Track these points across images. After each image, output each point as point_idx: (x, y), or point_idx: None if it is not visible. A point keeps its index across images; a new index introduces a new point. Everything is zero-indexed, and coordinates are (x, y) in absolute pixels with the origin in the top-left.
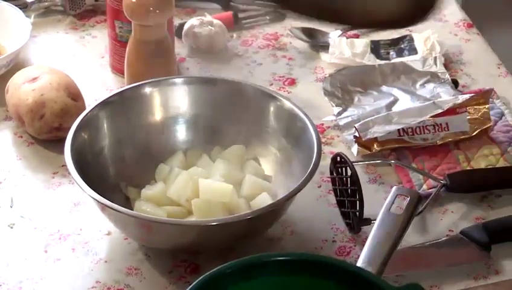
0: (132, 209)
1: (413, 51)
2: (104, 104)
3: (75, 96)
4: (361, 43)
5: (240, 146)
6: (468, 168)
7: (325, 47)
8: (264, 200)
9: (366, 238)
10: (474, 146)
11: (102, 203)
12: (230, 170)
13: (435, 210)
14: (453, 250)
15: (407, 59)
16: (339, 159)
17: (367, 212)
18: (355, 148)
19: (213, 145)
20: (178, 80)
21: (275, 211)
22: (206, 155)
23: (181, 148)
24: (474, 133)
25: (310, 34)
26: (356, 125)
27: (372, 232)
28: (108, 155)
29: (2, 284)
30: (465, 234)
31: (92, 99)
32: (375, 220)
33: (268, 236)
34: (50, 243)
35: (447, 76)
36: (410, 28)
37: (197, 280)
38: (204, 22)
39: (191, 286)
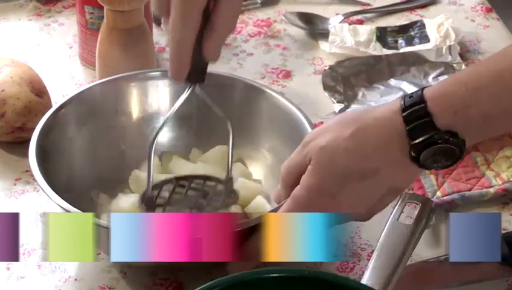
0: None
1: (424, 38)
2: (73, 100)
3: (39, 92)
4: (366, 30)
5: (223, 146)
6: (487, 171)
7: (324, 35)
8: (260, 204)
9: (372, 252)
10: (494, 147)
11: None
12: (214, 174)
13: None
14: (470, 265)
15: (418, 48)
16: None
17: (372, 223)
18: None
19: (196, 147)
20: (157, 73)
21: None
22: (180, 158)
23: (160, 150)
24: None
25: (307, 19)
26: None
27: (379, 245)
28: (78, 159)
29: None
30: None
31: (59, 95)
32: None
33: None
34: None
35: (464, 67)
36: (422, 12)
37: None
38: None
39: None
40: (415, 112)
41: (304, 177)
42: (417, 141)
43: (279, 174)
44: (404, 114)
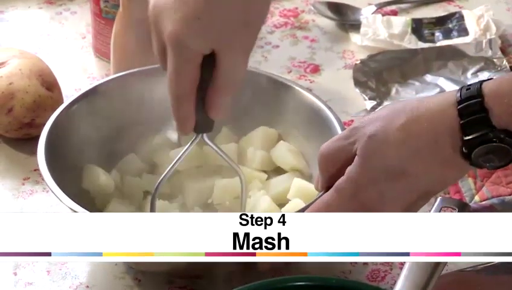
0: None
1: (463, 31)
2: (86, 95)
3: (50, 85)
4: (401, 21)
5: (265, 128)
6: None
7: (355, 26)
8: (297, 206)
9: None
10: None
11: None
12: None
13: None
14: (508, 275)
15: (456, 42)
16: None
17: None
18: None
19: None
20: None
21: None
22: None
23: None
24: None
25: (337, 10)
26: None
27: None
28: (90, 158)
29: None
30: None
31: (70, 89)
32: None
33: None
34: (20, 264)
35: (505, 63)
36: (460, 3)
37: None
38: None
39: None
40: (471, 106)
41: (350, 168)
42: (470, 137)
43: (307, 176)
44: (459, 107)
